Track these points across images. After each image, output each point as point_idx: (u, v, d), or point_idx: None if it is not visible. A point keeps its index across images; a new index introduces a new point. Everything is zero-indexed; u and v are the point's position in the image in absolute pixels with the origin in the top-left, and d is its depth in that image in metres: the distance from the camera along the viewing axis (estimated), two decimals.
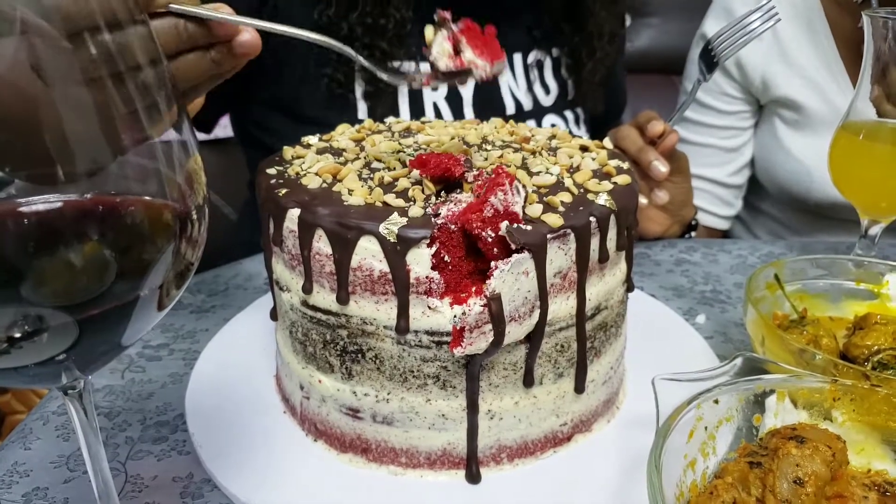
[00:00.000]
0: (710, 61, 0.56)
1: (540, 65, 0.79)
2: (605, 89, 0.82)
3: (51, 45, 0.21)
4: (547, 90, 0.79)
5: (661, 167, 0.58)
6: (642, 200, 0.60)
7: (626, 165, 0.41)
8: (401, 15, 0.65)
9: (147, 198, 0.24)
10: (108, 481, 0.29)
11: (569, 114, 0.81)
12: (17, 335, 0.22)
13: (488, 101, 0.76)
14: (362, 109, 0.70)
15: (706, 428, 0.35)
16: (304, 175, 0.38)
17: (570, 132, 0.81)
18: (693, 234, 0.71)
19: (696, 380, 0.37)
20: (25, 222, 0.22)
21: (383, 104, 0.69)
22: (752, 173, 0.93)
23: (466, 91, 0.75)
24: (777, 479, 0.32)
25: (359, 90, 0.69)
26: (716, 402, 0.35)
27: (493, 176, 0.33)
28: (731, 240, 0.69)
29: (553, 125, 0.79)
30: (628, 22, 1.44)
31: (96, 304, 0.23)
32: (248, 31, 0.34)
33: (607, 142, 0.47)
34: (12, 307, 0.22)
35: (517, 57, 0.77)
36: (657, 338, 0.48)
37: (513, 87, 0.77)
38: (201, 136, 0.87)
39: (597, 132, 0.85)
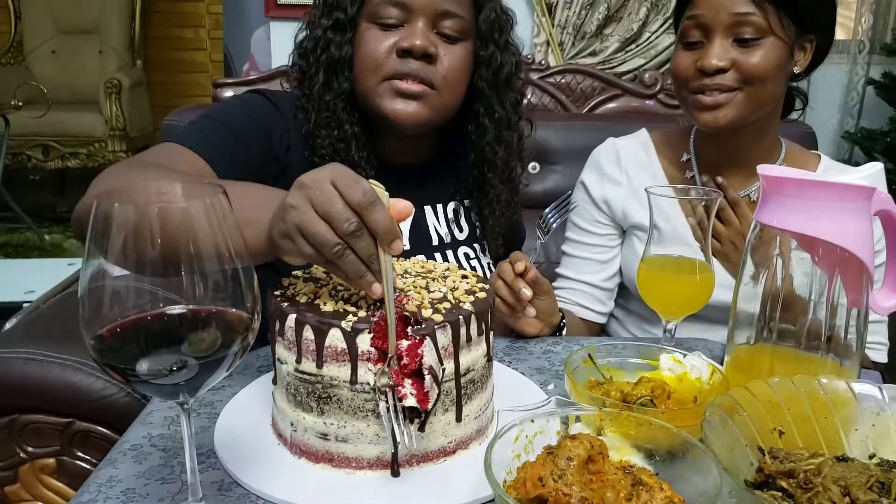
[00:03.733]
0: (547, 227, 0.89)
1: (456, 213, 1.10)
2: (505, 233, 1.13)
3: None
4: (461, 229, 1.10)
5: (526, 292, 0.87)
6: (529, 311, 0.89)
7: (486, 287, 0.70)
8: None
9: (233, 309, 0.50)
10: (195, 466, 0.53)
11: (477, 246, 1.11)
12: (174, 369, 0.48)
13: (420, 235, 1.05)
14: None
15: (527, 436, 0.61)
16: (298, 294, 0.65)
17: (479, 258, 1.10)
18: (563, 333, 0.99)
19: (525, 410, 0.63)
20: (180, 318, 0.49)
21: None
22: (620, 280, 1.24)
23: (405, 227, 1.05)
24: (557, 458, 0.58)
25: None
26: (532, 421, 0.61)
27: (398, 297, 0.61)
28: (586, 337, 0.97)
29: (466, 254, 1.09)
30: (538, 169, 1.82)
31: (208, 357, 0.49)
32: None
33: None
34: (175, 356, 0.48)
35: (440, 206, 1.09)
36: (516, 395, 0.75)
37: (437, 226, 1.07)
38: None
39: (499, 259, 1.15)
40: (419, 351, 0.58)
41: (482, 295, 0.68)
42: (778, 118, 1.11)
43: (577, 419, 0.64)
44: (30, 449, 1.08)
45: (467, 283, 0.71)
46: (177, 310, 0.49)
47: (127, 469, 0.62)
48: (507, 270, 0.89)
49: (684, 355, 0.77)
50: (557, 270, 1.24)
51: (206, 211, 0.48)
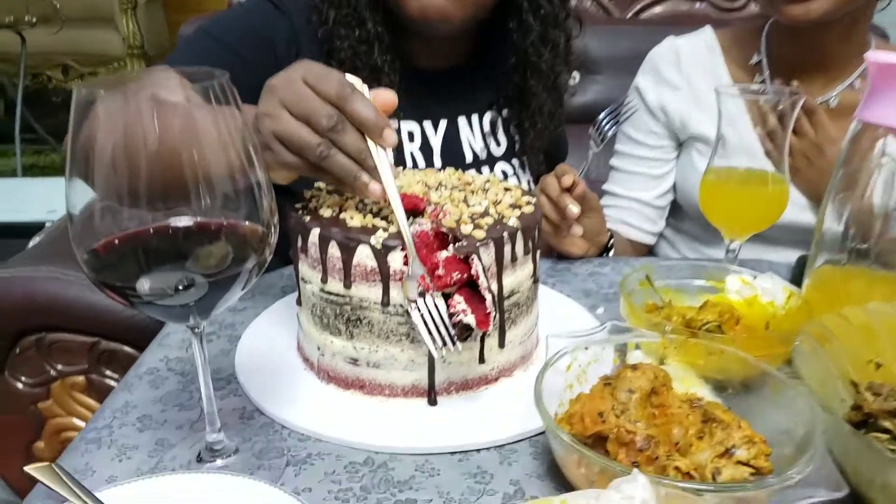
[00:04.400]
0: (602, 135, 0.79)
1: (493, 125, 1.00)
2: (547, 149, 1.03)
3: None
4: (498, 143, 1.00)
5: (573, 209, 0.78)
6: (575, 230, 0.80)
7: (533, 200, 0.62)
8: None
9: (247, 223, 0.43)
10: (210, 394, 0.48)
11: (515, 161, 1.02)
12: (180, 287, 0.41)
13: (453, 151, 0.96)
14: None
15: (580, 365, 0.54)
16: (321, 207, 0.58)
17: (518, 176, 1.01)
18: (610, 254, 0.91)
19: (576, 337, 0.56)
20: (185, 231, 0.42)
21: None
22: (674, 198, 1.13)
23: (436, 143, 0.96)
24: (616, 390, 0.51)
25: None
26: (586, 349, 0.55)
27: (433, 212, 0.53)
28: (636, 258, 0.89)
29: (503, 171, 1.00)
30: (577, 79, 1.68)
31: (219, 274, 0.42)
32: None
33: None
34: (179, 273, 0.41)
35: (475, 117, 0.99)
36: (565, 320, 0.68)
37: (471, 140, 0.98)
38: None
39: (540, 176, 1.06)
40: (473, 272, 0.51)
41: (529, 209, 0.59)
42: (872, 11, 0.96)
43: (637, 347, 0.57)
44: (59, 367, 1.08)
45: (511, 195, 0.62)
46: (182, 221, 0.42)
47: (143, 394, 0.57)
48: (552, 185, 0.80)
49: (754, 276, 0.69)
50: (605, 187, 1.14)
51: (211, 109, 0.40)
